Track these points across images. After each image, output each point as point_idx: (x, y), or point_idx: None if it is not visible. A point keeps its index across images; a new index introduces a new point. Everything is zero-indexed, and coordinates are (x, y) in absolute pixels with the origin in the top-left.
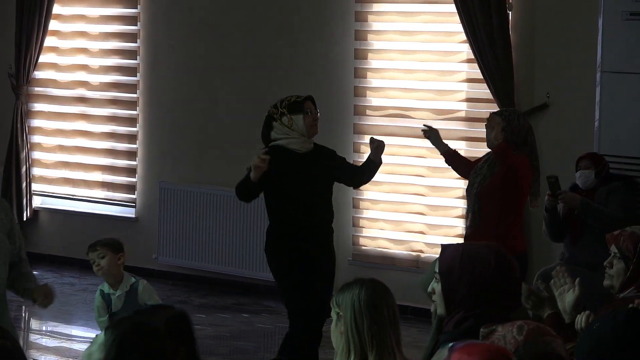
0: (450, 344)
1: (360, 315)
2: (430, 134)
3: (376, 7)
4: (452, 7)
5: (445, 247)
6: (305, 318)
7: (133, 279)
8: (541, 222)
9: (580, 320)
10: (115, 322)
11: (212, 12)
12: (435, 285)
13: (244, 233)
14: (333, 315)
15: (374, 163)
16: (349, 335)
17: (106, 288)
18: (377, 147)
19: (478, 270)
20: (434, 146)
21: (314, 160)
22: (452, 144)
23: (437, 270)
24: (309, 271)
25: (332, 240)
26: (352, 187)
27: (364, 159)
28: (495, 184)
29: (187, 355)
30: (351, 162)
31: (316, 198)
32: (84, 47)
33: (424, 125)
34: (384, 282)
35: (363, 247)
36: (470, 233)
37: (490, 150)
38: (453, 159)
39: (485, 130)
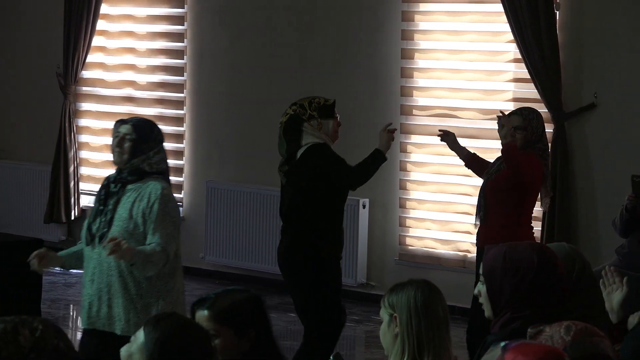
0: (503, 343)
1: (417, 316)
2: (447, 138)
3: (423, 6)
4: (499, 7)
5: (488, 249)
6: (336, 327)
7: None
8: (590, 219)
9: (633, 320)
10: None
11: (259, 12)
12: (481, 287)
13: None
14: (384, 316)
15: (378, 155)
16: (404, 336)
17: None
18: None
19: (521, 270)
20: (452, 150)
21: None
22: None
23: (481, 272)
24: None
25: None
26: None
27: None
28: (499, 180)
29: (257, 337)
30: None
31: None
32: (131, 47)
33: (440, 130)
34: (433, 283)
35: (409, 247)
36: (479, 229)
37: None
38: (472, 162)
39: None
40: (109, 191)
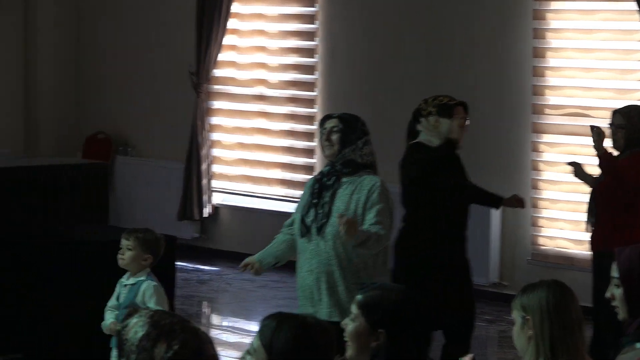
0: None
1: (549, 318)
2: (577, 170)
3: (555, 5)
4: (633, 5)
5: (620, 251)
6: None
7: (144, 277)
8: None
9: None
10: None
11: (390, 11)
12: (615, 290)
13: None
14: (517, 318)
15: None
16: (538, 338)
17: (125, 276)
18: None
19: None
20: (581, 180)
21: (459, 167)
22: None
23: (615, 275)
24: None
25: None
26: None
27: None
28: (601, 186)
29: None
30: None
31: None
32: (262, 46)
33: (568, 163)
34: (564, 284)
35: (542, 247)
36: (592, 233)
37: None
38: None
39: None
40: (324, 184)
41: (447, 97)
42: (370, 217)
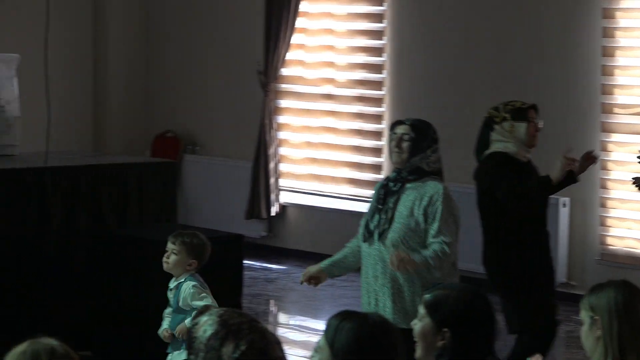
0: None
1: (618, 318)
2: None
3: (624, 3)
4: None
5: None
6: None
7: (183, 279)
8: None
9: None
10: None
11: (458, 10)
12: None
13: None
14: (585, 318)
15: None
16: (606, 339)
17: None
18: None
19: None
20: None
21: (534, 171)
22: None
23: None
24: None
25: None
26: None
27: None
28: None
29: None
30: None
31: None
32: (330, 45)
33: (633, 181)
34: (633, 284)
35: (611, 247)
36: None
37: None
38: None
39: None
40: (389, 190)
41: (518, 102)
42: (434, 228)
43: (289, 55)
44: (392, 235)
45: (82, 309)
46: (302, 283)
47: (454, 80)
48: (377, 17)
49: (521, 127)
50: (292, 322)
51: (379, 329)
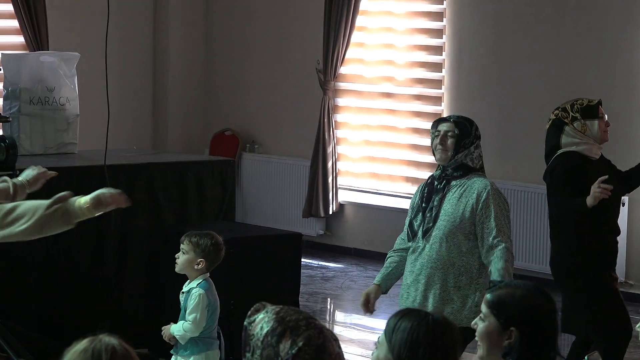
0: None
1: None
2: None
3: None
4: None
5: None
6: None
7: (195, 284)
8: None
9: None
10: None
11: (518, 8)
12: None
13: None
14: None
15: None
16: None
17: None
18: None
19: None
20: None
21: (609, 168)
22: None
23: None
24: None
25: None
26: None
27: None
28: None
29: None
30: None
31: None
32: (390, 43)
33: None
34: None
35: None
36: None
37: None
38: None
39: None
40: (434, 188)
41: (585, 99)
42: (490, 226)
43: (349, 54)
44: (436, 233)
45: (140, 307)
46: (372, 313)
47: (513, 79)
48: (437, 16)
49: (593, 125)
50: (348, 320)
51: (439, 328)
